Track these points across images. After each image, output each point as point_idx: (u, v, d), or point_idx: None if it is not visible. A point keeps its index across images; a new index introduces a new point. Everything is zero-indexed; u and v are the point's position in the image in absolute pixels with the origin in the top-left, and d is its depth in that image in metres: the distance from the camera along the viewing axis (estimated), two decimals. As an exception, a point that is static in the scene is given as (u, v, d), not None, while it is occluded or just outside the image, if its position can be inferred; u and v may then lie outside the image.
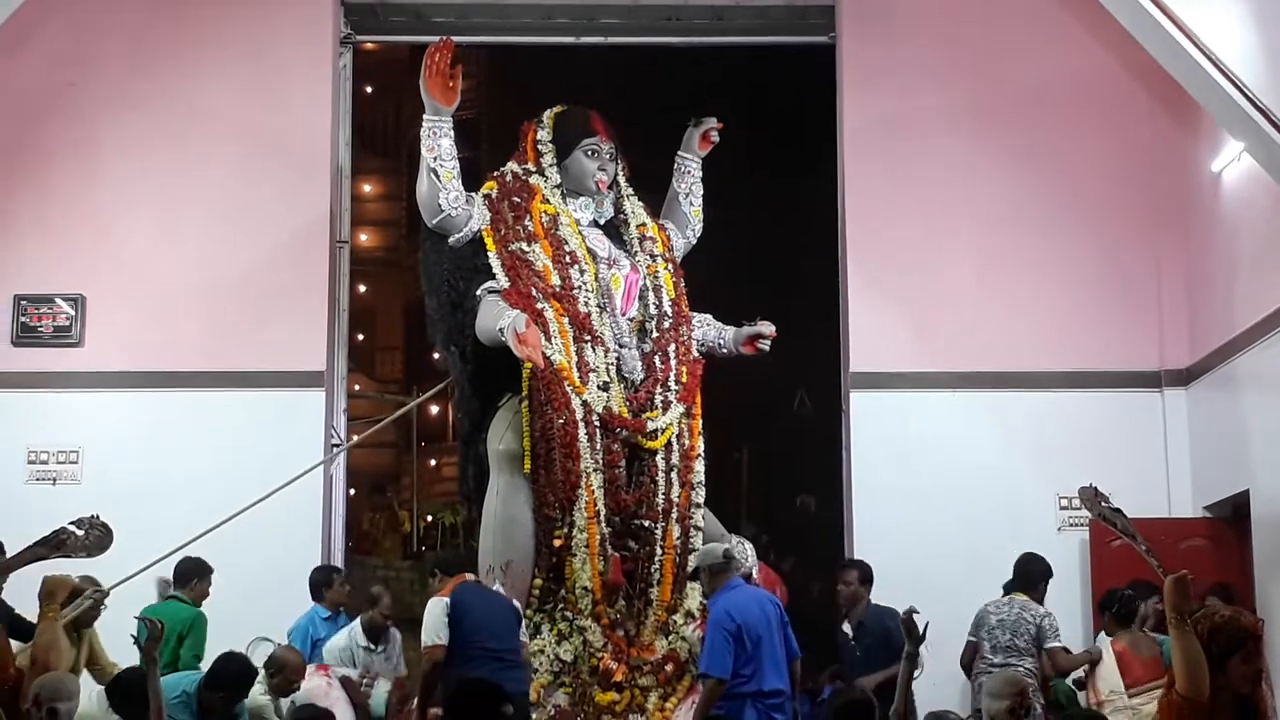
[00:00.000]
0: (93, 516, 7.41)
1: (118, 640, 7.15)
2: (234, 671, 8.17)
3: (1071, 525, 11.59)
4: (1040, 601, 10.17)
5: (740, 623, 8.98)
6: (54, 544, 7.26)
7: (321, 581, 10.52)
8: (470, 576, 9.29)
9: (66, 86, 12.08)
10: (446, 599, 8.98)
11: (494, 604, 9.03)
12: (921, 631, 7.12)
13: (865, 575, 10.23)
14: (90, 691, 8.10)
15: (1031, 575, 10.26)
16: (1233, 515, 11.27)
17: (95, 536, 7.35)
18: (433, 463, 30.51)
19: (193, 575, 10.04)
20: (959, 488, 11.64)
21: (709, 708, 8.86)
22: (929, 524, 11.43)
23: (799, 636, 9.47)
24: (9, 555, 7.71)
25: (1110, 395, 11.97)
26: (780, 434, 16.61)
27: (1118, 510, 6.65)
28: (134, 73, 12.13)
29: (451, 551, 9.69)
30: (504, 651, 8.73)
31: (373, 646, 10.17)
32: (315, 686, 9.27)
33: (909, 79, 12.29)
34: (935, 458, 11.79)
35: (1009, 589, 10.25)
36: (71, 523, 7.34)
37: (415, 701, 9.21)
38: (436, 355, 11.52)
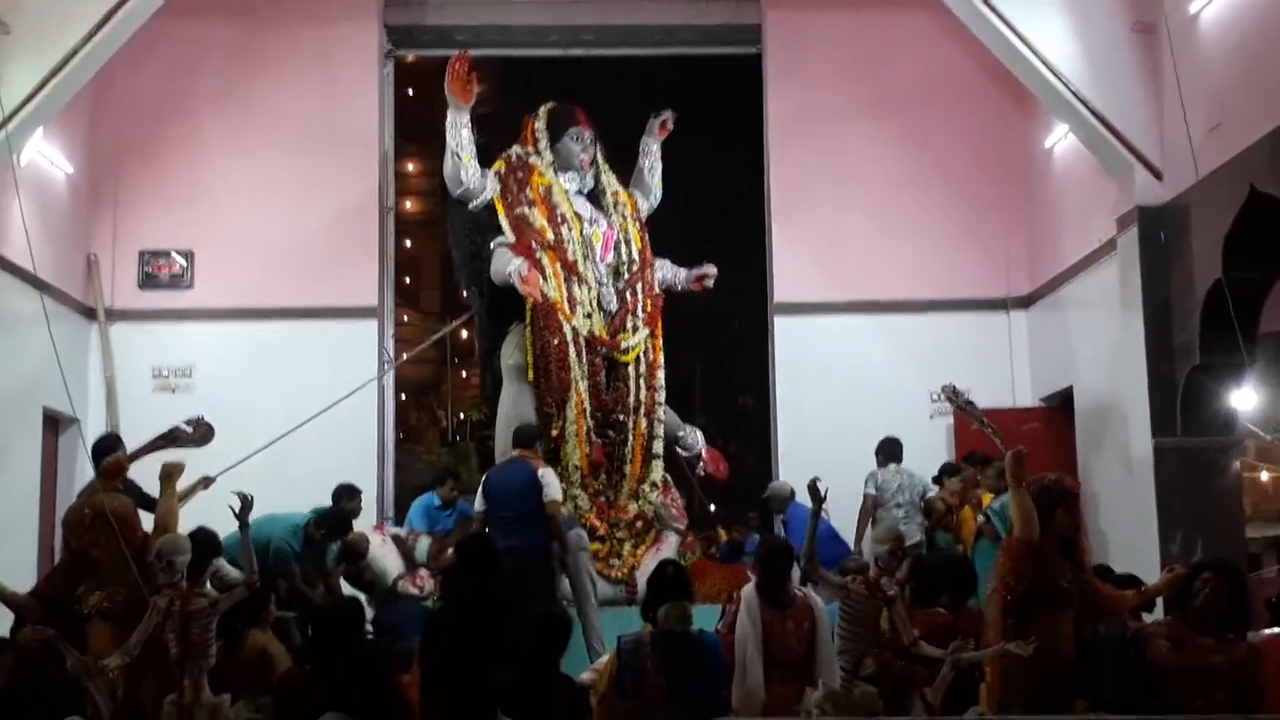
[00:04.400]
0: (199, 417, 7.36)
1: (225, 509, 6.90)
2: (337, 516, 8.40)
3: (940, 415, 11.55)
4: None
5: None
6: (169, 438, 7.23)
7: (438, 481, 10.41)
8: (515, 453, 9.12)
9: (178, 90, 11.87)
10: (483, 479, 9.05)
11: (508, 478, 8.91)
12: (823, 495, 7.09)
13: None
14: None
15: (897, 450, 10.33)
16: (1061, 405, 11.29)
17: (201, 432, 7.32)
18: (463, 374, 30.32)
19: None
20: (856, 387, 11.58)
21: None
22: (834, 415, 11.38)
23: (738, 501, 9.50)
24: (139, 446, 7.61)
25: (969, 316, 11.93)
26: (724, 349, 16.51)
27: (971, 403, 6.65)
28: (228, 79, 11.91)
29: (527, 428, 9.36)
30: (511, 516, 8.64)
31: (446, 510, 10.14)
32: (372, 540, 9.27)
33: (818, 78, 12.13)
34: (839, 366, 11.74)
35: (883, 461, 10.29)
36: (183, 422, 7.31)
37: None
38: (463, 293, 11.39)
